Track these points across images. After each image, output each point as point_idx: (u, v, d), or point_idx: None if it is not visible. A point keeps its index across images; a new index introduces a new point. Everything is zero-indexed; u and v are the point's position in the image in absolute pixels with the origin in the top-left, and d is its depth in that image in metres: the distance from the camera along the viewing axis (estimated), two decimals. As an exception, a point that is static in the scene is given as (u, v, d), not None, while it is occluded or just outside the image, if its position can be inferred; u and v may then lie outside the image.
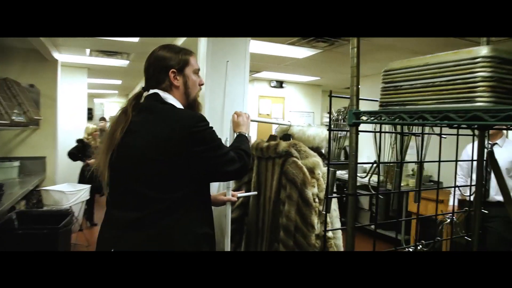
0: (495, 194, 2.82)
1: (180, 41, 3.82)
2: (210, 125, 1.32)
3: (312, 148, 1.95)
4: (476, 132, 1.50)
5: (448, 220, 1.50)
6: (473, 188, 2.86)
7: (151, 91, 1.36)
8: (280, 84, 7.09)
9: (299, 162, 1.79)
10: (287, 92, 7.23)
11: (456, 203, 3.18)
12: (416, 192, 1.42)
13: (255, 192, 2.03)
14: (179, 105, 1.36)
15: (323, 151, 2.06)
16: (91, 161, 4.90)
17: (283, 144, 1.88)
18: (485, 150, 2.91)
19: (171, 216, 1.22)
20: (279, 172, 1.86)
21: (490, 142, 2.95)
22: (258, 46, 4.22)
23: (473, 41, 3.66)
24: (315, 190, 1.76)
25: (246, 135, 1.65)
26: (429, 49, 4.23)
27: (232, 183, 1.89)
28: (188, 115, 1.28)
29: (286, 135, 2.07)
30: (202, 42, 2.74)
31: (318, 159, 1.84)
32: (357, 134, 1.11)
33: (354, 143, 1.10)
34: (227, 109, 2.32)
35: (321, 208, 1.76)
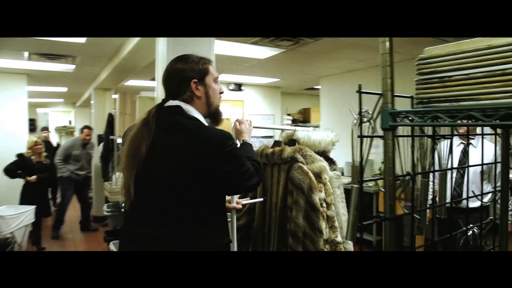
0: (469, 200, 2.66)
1: (133, 41, 3.47)
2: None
3: (318, 153, 1.94)
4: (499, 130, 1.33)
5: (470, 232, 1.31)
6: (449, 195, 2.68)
7: (172, 102, 1.32)
8: (238, 87, 6.87)
9: (305, 167, 1.79)
10: (246, 95, 7.02)
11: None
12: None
13: (261, 199, 2.00)
14: (202, 118, 1.34)
15: (329, 155, 2.06)
16: (32, 178, 4.43)
17: (288, 150, 1.87)
18: (457, 149, 2.80)
19: (197, 231, 1.24)
20: (285, 178, 1.85)
21: (463, 141, 2.85)
22: (217, 46, 3.95)
23: (443, 39, 3.64)
24: (322, 195, 1.76)
25: (250, 142, 1.63)
26: (394, 46, 4.13)
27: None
28: (217, 135, 1.25)
29: (291, 141, 2.05)
30: (161, 42, 2.47)
31: (324, 164, 1.84)
32: (393, 141, 0.88)
33: (391, 153, 0.87)
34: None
35: (329, 213, 1.77)
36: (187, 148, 1.22)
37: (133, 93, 4.10)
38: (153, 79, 3.19)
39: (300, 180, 1.76)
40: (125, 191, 1.27)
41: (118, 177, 4.20)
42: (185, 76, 1.32)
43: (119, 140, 4.87)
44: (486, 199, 2.57)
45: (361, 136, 0.99)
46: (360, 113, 1.04)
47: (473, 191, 2.62)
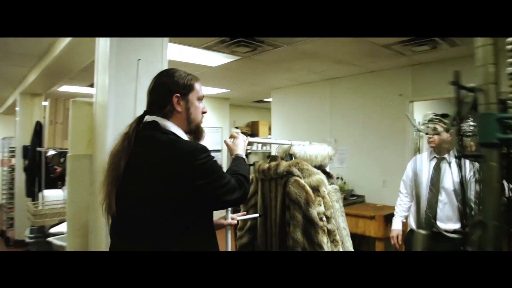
0: (441, 221, 2.46)
1: (66, 39, 2.99)
2: (209, 154, 1.28)
3: (315, 167, 1.94)
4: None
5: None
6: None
7: (150, 118, 1.34)
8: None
9: (302, 180, 1.79)
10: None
11: (400, 227, 2.80)
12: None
13: (257, 215, 2.01)
14: (180, 132, 1.35)
15: (327, 169, 2.08)
16: None
17: (284, 164, 1.88)
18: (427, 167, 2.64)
19: (178, 244, 1.24)
20: (282, 192, 1.86)
21: (436, 155, 2.60)
22: (167, 49, 3.58)
23: (399, 52, 3.60)
24: (321, 208, 1.76)
25: (244, 157, 1.60)
26: (351, 58, 4.13)
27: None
28: (188, 148, 1.27)
29: (288, 155, 2.05)
30: (102, 41, 2.14)
31: (322, 177, 1.84)
32: (500, 163, 0.60)
33: (496, 183, 0.59)
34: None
35: (329, 226, 1.78)
36: (161, 162, 1.23)
37: (67, 99, 3.57)
38: (91, 85, 2.75)
39: (296, 194, 1.75)
40: (105, 206, 1.29)
41: (45, 196, 3.62)
42: (169, 89, 1.33)
43: (50, 152, 4.26)
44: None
45: (461, 156, 0.70)
46: (457, 118, 0.75)
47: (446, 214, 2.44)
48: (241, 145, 1.64)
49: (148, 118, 1.33)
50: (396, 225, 2.80)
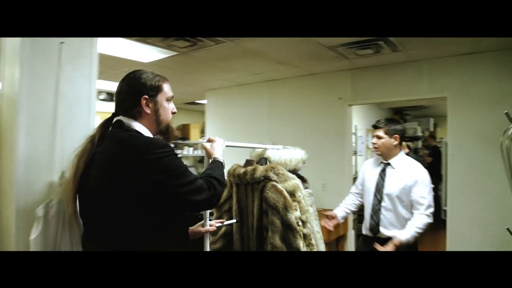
0: (384, 228, 2.42)
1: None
2: (169, 150, 1.25)
3: (289, 171, 1.96)
4: None
5: None
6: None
7: (117, 118, 1.34)
8: (111, 97, 5.88)
9: (279, 185, 1.78)
10: (120, 107, 6.06)
11: (337, 212, 2.67)
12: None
13: (234, 220, 1.96)
14: (146, 132, 1.32)
15: (300, 173, 2.08)
16: None
17: (260, 169, 1.86)
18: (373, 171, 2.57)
19: (144, 244, 1.20)
20: (259, 198, 1.83)
21: (383, 161, 2.54)
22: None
23: (343, 55, 3.54)
24: (298, 213, 1.77)
25: (221, 160, 1.55)
26: (295, 58, 3.97)
27: (209, 212, 1.75)
28: (143, 141, 1.24)
29: (262, 159, 2.04)
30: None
31: (297, 181, 1.86)
32: None
33: None
34: (63, 116, 1.66)
35: (305, 231, 1.79)
36: (117, 158, 1.22)
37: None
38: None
39: (274, 200, 1.74)
40: (65, 205, 1.39)
41: None
42: (136, 91, 1.32)
43: None
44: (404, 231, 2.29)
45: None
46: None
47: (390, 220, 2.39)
48: (219, 149, 1.60)
49: (116, 118, 1.34)
50: (335, 210, 2.70)
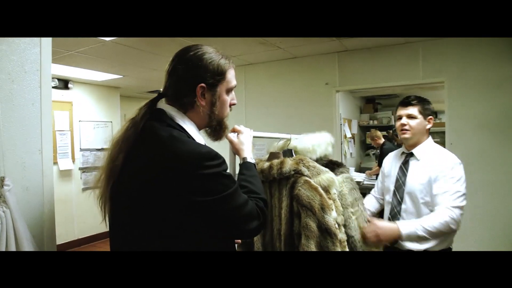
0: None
1: None
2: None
3: (319, 158, 1.74)
4: None
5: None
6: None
7: (159, 105, 1.10)
8: (64, 84, 5.20)
9: (312, 181, 1.50)
10: (74, 95, 5.39)
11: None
12: None
13: None
14: (192, 128, 1.09)
15: (332, 159, 1.82)
16: None
17: (289, 162, 1.57)
18: (395, 162, 2.14)
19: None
20: (289, 197, 1.53)
21: (406, 150, 2.04)
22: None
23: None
24: (334, 214, 1.48)
25: (254, 162, 1.28)
26: (277, 38, 3.64)
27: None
28: (194, 151, 0.98)
29: (286, 151, 1.71)
30: None
31: (332, 175, 1.55)
32: None
33: None
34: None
35: (340, 236, 1.47)
36: (154, 164, 0.97)
37: None
38: None
39: (309, 198, 1.46)
40: (101, 206, 1.07)
41: None
42: (194, 74, 1.07)
43: None
44: (434, 241, 1.77)
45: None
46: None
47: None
48: (248, 144, 1.33)
49: (159, 104, 1.10)
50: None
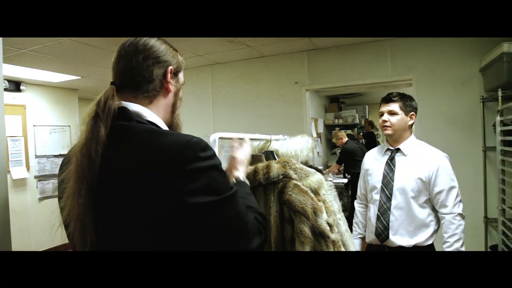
0: (395, 234, 1.92)
1: None
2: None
3: (302, 164, 1.59)
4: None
5: None
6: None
7: (122, 104, 0.90)
8: (16, 85, 4.83)
9: (301, 185, 1.42)
10: (28, 97, 5.02)
11: (358, 248, 2.17)
12: None
13: None
14: (161, 123, 0.94)
15: (312, 164, 1.74)
16: None
17: (276, 165, 1.46)
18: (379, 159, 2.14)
19: None
20: (278, 202, 1.44)
21: (390, 147, 2.05)
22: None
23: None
24: (325, 215, 1.42)
25: (247, 183, 1.15)
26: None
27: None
28: (173, 142, 0.81)
29: (267, 153, 1.63)
30: None
31: (320, 176, 1.50)
32: None
33: None
34: None
35: (333, 236, 1.41)
36: (135, 164, 0.81)
37: None
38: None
39: (301, 203, 1.40)
40: (77, 234, 0.83)
41: None
42: (163, 58, 0.95)
43: None
44: (425, 235, 1.88)
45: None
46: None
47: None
48: (246, 159, 1.22)
49: (119, 102, 0.91)
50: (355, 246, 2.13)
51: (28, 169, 4.93)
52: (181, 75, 1.02)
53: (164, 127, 0.95)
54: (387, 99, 2.01)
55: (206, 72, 4.44)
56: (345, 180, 5.48)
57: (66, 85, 5.29)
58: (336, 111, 7.50)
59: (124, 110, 0.90)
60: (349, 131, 7.05)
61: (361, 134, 7.80)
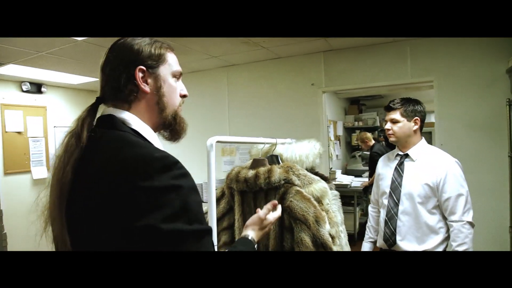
0: (402, 239, 1.91)
1: None
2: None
3: (307, 170, 1.56)
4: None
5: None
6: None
7: (106, 110, 0.92)
8: (37, 87, 4.93)
9: (304, 191, 1.39)
10: (49, 99, 5.13)
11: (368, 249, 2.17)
12: None
13: None
14: (146, 129, 0.92)
15: (318, 170, 1.70)
16: None
17: (278, 170, 1.43)
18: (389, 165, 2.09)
19: None
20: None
21: (400, 152, 2.05)
22: None
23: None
24: (328, 226, 1.38)
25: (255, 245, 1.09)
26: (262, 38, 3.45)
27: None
28: (145, 155, 0.78)
29: (272, 158, 1.58)
30: None
31: (324, 184, 1.46)
32: None
33: None
34: None
35: (335, 248, 1.36)
36: (100, 181, 0.79)
37: None
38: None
39: (303, 211, 1.34)
40: (55, 237, 0.85)
41: None
42: (129, 59, 0.91)
43: None
44: (434, 242, 1.84)
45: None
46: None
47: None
48: (267, 228, 1.15)
49: (104, 110, 0.93)
50: (363, 247, 2.18)
51: (48, 169, 5.03)
52: (162, 69, 0.95)
53: (149, 133, 0.92)
54: (388, 107, 2.05)
55: (222, 74, 4.42)
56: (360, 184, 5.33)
57: (85, 87, 5.37)
58: (356, 113, 7.35)
59: (109, 118, 0.90)
60: (370, 134, 6.89)
61: (382, 136, 7.60)
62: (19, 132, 4.73)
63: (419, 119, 2.00)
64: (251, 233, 1.10)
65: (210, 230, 0.81)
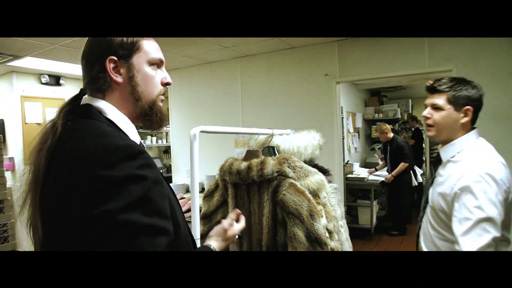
0: (423, 242, 1.58)
1: None
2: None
3: (305, 162, 1.51)
4: None
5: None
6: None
7: (84, 100, 0.94)
8: (56, 80, 5.03)
9: (298, 184, 1.34)
10: (67, 91, 5.22)
11: None
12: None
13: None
14: (120, 118, 0.92)
15: (318, 163, 1.63)
16: None
17: (271, 162, 1.38)
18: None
19: None
20: (271, 202, 1.36)
21: (440, 148, 1.57)
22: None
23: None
24: (324, 220, 1.32)
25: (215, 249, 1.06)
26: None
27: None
28: (104, 145, 0.79)
29: (268, 149, 1.56)
30: None
31: (321, 177, 1.40)
32: None
33: None
34: None
35: (332, 244, 1.32)
36: (68, 163, 0.80)
37: None
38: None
39: (296, 204, 1.29)
40: (28, 224, 0.88)
41: None
42: (101, 50, 0.91)
43: None
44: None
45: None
46: None
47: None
48: (230, 240, 1.10)
49: (83, 99, 0.94)
50: None
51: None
52: (136, 57, 0.93)
53: (124, 122, 0.93)
54: (431, 88, 1.53)
55: (235, 65, 4.37)
56: (381, 178, 5.19)
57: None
58: (377, 105, 7.16)
59: (86, 107, 0.91)
60: (390, 126, 6.70)
61: (404, 129, 7.38)
62: (38, 124, 4.84)
63: (471, 109, 1.49)
64: (213, 243, 1.08)
65: (168, 230, 0.78)
